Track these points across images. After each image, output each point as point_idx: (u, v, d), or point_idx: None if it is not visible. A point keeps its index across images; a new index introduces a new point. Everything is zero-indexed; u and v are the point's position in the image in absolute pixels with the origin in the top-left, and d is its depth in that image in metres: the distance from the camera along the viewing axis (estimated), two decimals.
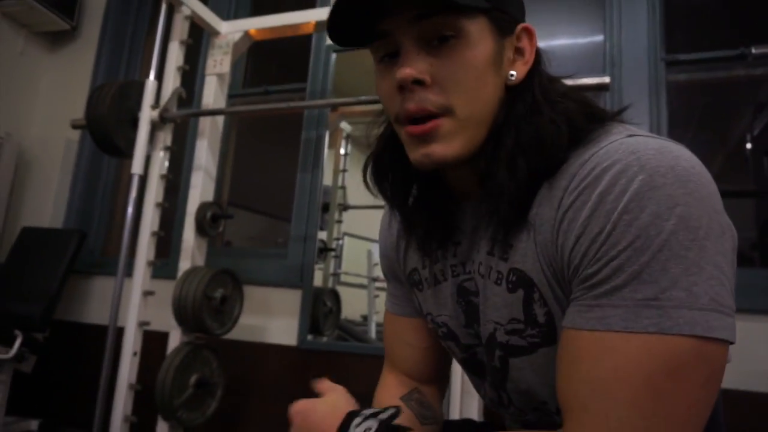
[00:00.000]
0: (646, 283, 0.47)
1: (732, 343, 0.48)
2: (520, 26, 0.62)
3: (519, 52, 0.62)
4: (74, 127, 1.98)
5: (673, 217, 0.47)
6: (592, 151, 0.53)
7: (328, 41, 2.33)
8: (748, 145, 2.35)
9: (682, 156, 0.50)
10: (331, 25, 0.61)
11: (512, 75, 0.61)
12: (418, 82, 0.57)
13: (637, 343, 0.46)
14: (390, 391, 0.84)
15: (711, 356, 0.47)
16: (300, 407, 0.65)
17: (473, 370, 0.76)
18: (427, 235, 0.72)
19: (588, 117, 0.58)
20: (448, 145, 0.58)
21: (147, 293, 1.80)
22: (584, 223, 0.51)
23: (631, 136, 0.53)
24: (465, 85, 0.57)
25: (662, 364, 0.46)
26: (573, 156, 0.55)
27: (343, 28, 0.61)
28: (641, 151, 0.50)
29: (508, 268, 0.61)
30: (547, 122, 0.57)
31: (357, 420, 0.59)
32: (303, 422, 0.64)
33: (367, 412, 0.61)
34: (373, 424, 0.58)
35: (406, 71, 0.56)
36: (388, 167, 0.70)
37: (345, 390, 0.68)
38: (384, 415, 0.60)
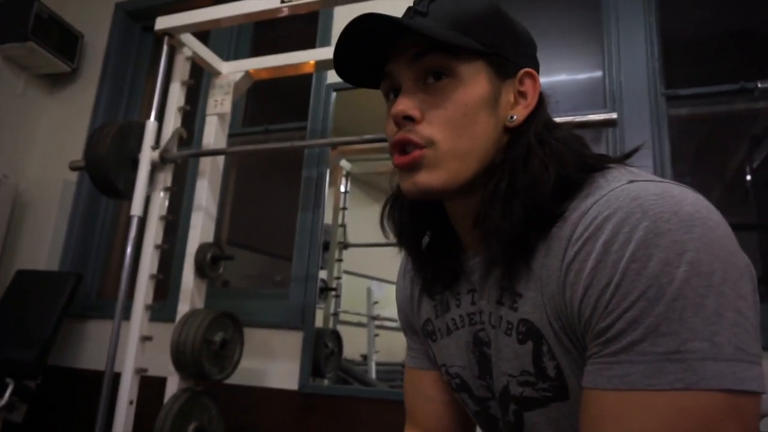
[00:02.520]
0: (665, 335, 0.44)
1: (763, 392, 0.45)
2: (522, 70, 0.64)
3: (521, 95, 0.64)
4: (73, 168, 1.96)
5: (684, 264, 0.45)
6: (593, 199, 0.53)
7: (329, 80, 2.35)
8: (749, 177, 2.35)
9: (685, 200, 0.48)
10: (340, 65, 0.66)
11: (512, 117, 0.63)
12: (410, 118, 0.61)
13: (664, 402, 0.44)
14: None
15: (743, 409, 0.44)
16: None
17: (486, 425, 0.73)
18: (435, 279, 0.72)
19: (580, 166, 0.58)
20: (430, 173, 0.60)
21: (145, 338, 1.74)
22: (591, 274, 0.49)
23: (631, 181, 0.52)
24: (452, 121, 0.60)
25: (693, 422, 0.43)
26: (574, 205, 0.55)
27: (352, 69, 0.67)
28: (643, 197, 0.49)
29: (518, 319, 0.60)
30: (537, 166, 0.57)
31: None
32: None
33: None
34: None
35: (399, 107, 0.61)
36: (404, 212, 0.71)
37: None
38: None
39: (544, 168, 0.57)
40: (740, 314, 0.45)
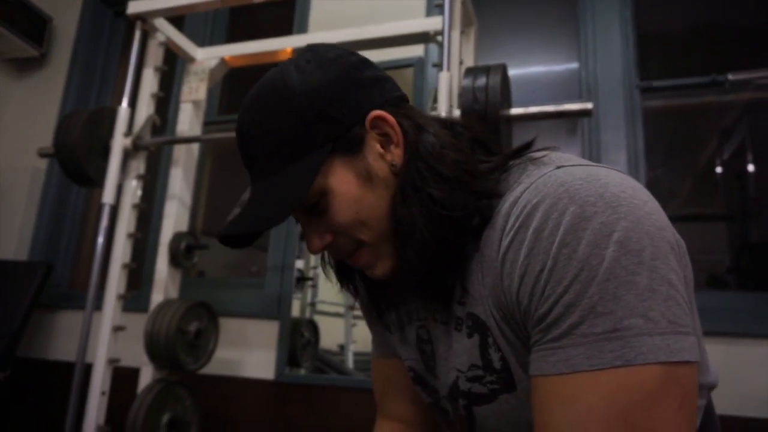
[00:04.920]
0: (602, 315, 0.45)
1: (697, 361, 0.47)
2: (370, 118, 0.59)
3: (385, 138, 0.60)
4: (42, 155, 1.91)
5: (612, 244, 0.46)
6: (523, 187, 0.53)
7: None
8: (719, 169, 2.40)
9: (610, 182, 0.49)
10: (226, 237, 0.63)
11: (394, 164, 0.60)
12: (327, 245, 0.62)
13: (606, 379, 0.45)
14: None
15: (680, 378, 0.46)
16: None
17: (440, 416, 0.74)
18: (373, 302, 0.75)
19: (481, 175, 0.58)
20: (380, 264, 0.62)
21: (117, 328, 1.71)
22: (524, 262, 0.50)
23: (559, 167, 0.53)
24: (355, 220, 0.59)
25: (634, 395, 0.45)
26: (506, 196, 0.55)
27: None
28: (569, 183, 0.50)
29: (465, 313, 0.60)
30: (437, 193, 0.57)
31: None
32: None
33: None
34: None
35: (313, 247, 0.62)
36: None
37: None
38: None
39: (433, 203, 0.56)
40: (672, 287, 0.46)
